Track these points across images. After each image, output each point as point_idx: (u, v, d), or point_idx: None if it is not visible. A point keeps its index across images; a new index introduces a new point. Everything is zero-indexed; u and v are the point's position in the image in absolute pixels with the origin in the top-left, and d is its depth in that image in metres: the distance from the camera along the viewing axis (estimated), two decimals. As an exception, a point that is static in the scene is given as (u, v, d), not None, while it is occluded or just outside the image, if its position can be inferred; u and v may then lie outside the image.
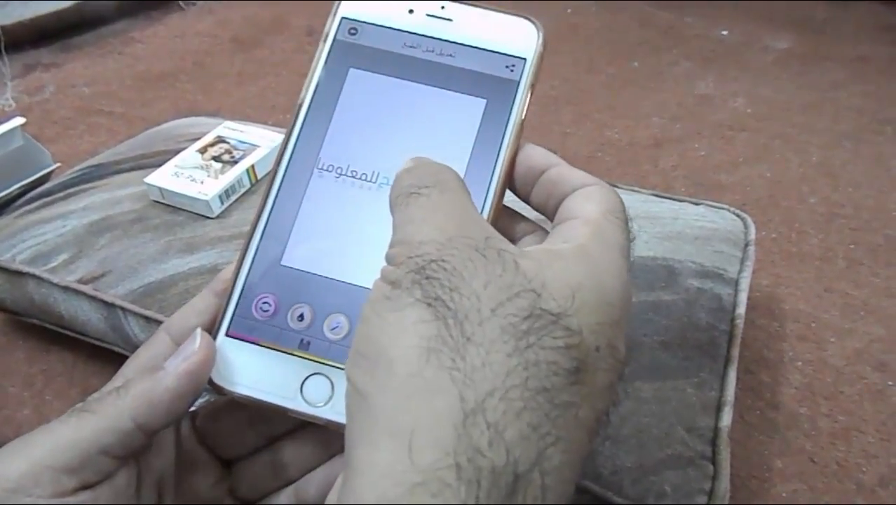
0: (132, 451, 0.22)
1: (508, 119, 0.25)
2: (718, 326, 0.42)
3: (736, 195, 0.70)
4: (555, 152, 0.79)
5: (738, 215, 0.52)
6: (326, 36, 0.26)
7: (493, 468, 0.15)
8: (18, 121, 0.59)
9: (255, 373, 0.24)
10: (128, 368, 0.24)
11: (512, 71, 0.25)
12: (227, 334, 0.24)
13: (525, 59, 0.26)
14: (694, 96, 0.89)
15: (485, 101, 0.25)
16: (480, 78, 0.25)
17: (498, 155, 0.24)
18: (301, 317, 0.24)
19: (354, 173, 0.25)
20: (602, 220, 0.21)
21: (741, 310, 0.44)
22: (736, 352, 0.42)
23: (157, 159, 0.57)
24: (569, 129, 0.82)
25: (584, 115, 0.85)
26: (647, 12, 1.14)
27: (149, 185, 0.52)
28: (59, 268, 0.49)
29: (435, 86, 0.25)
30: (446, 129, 0.25)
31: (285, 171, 0.25)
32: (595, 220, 0.21)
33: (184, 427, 0.25)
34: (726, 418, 0.38)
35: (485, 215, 0.24)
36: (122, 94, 0.96)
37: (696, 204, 0.53)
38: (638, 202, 0.52)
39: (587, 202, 0.22)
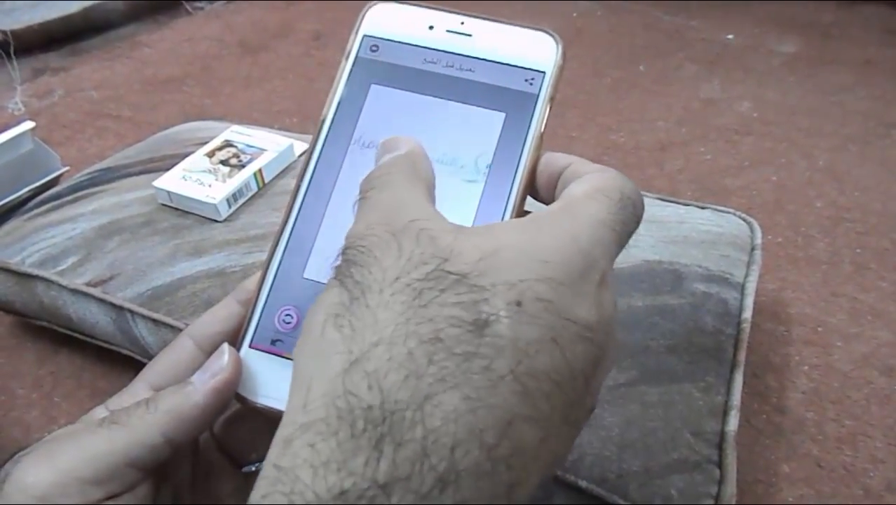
0: (158, 463, 0.22)
1: (528, 132, 0.25)
2: (725, 331, 0.42)
3: (742, 199, 0.70)
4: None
5: (744, 219, 0.52)
6: (349, 54, 0.27)
7: (368, 407, 0.16)
8: (28, 125, 0.60)
9: (278, 384, 0.24)
10: (150, 373, 0.25)
11: (531, 84, 0.26)
12: (250, 346, 0.25)
13: (544, 72, 0.26)
14: (700, 100, 0.89)
15: (504, 114, 0.25)
16: (500, 92, 0.26)
17: (517, 167, 0.25)
18: None
19: None
20: (580, 197, 0.21)
21: (747, 314, 0.44)
22: (742, 356, 0.42)
23: (165, 163, 0.57)
24: (574, 133, 0.83)
25: (589, 119, 0.85)
26: (652, 16, 1.14)
27: (157, 188, 0.53)
28: (68, 271, 0.49)
29: (455, 100, 0.26)
30: (466, 143, 0.25)
31: (308, 185, 0.25)
32: (572, 196, 0.21)
33: (202, 435, 0.26)
34: (733, 422, 0.38)
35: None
36: (131, 98, 0.96)
37: (702, 208, 0.53)
38: (644, 206, 0.52)
39: (578, 184, 0.22)
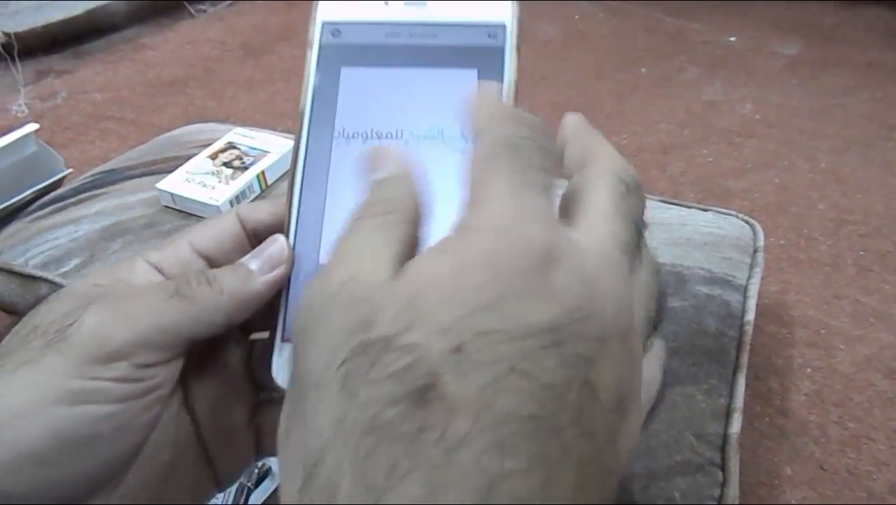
0: (206, 341, 0.22)
1: (503, 83, 0.25)
2: (727, 333, 0.42)
3: (744, 201, 0.70)
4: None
5: (746, 221, 0.52)
6: (312, 43, 0.27)
7: None
8: (32, 127, 0.60)
9: None
10: (195, 235, 0.24)
11: (495, 38, 0.26)
12: (282, 340, 0.25)
13: (504, 24, 0.27)
14: (702, 102, 0.89)
15: (475, 70, 0.26)
16: (466, 51, 0.26)
17: None
18: None
19: None
20: (506, 193, 0.18)
21: (750, 316, 0.44)
22: (745, 358, 0.42)
23: (168, 165, 0.57)
24: (576, 135, 0.83)
25: (591, 121, 0.85)
26: (654, 19, 1.14)
27: (160, 190, 0.53)
28: (72, 272, 0.49)
29: (425, 66, 0.26)
30: (446, 105, 0.25)
31: (302, 179, 0.26)
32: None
33: (236, 355, 0.25)
34: (735, 425, 0.38)
35: None
36: (133, 100, 0.97)
37: (705, 210, 0.53)
38: (646, 208, 0.52)
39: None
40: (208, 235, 0.24)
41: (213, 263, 0.24)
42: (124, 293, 0.21)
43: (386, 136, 0.26)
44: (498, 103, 0.21)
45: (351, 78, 0.26)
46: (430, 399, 0.14)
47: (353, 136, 0.26)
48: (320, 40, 0.27)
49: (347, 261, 0.18)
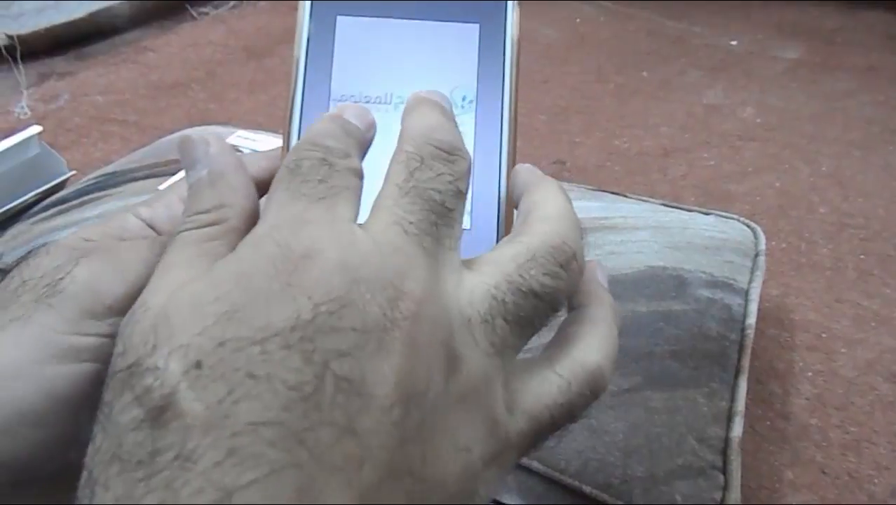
0: None
1: (505, 38, 0.25)
2: (729, 336, 0.42)
3: (745, 205, 0.70)
4: (564, 162, 0.78)
5: (747, 225, 0.53)
6: None
7: None
8: (35, 129, 0.60)
9: None
10: (186, 188, 0.22)
11: None
12: None
13: None
14: (703, 106, 0.90)
15: (478, 25, 0.25)
16: (468, 5, 0.25)
17: (504, 74, 0.25)
18: None
19: None
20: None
21: (751, 320, 0.44)
22: (746, 362, 0.42)
23: (170, 168, 0.57)
24: (577, 139, 0.83)
25: (592, 125, 0.86)
26: (655, 22, 1.14)
27: (163, 193, 0.53)
28: (74, 275, 0.49)
29: (425, 19, 0.25)
30: (448, 59, 0.25)
31: (299, 131, 0.24)
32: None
33: None
34: (737, 428, 0.38)
35: (504, 137, 0.24)
36: (136, 102, 0.97)
37: (706, 214, 0.53)
38: (647, 212, 0.52)
39: None
40: None
41: None
42: (116, 247, 0.21)
43: (383, 95, 0.25)
44: (322, 125, 0.20)
45: (348, 27, 0.25)
46: (167, 420, 0.14)
47: (350, 94, 0.25)
48: None
49: (152, 285, 0.17)
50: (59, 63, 1.09)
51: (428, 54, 0.25)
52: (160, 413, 0.14)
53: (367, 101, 0.25)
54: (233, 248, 0.18)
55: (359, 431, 0.14)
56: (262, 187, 0.23)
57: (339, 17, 0.25)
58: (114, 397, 0.15)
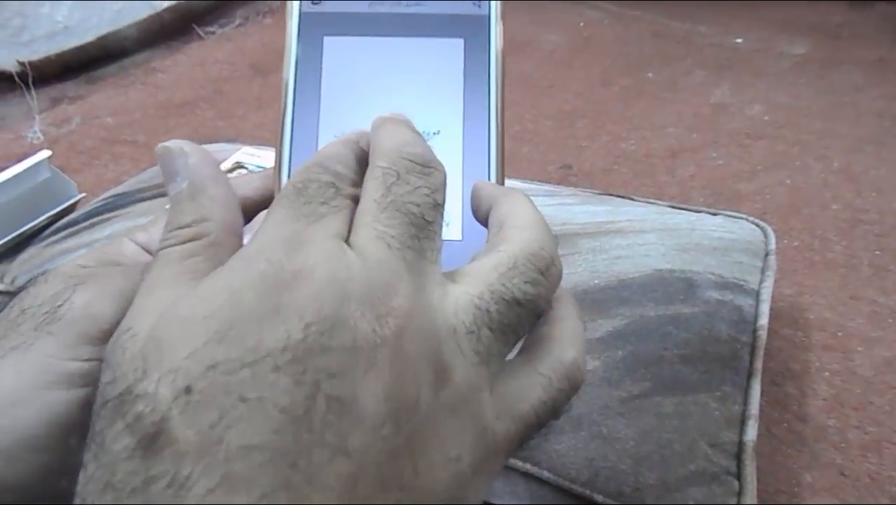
0: None
1: (489, 52, 0.25)
2: (740, 338, 0.42)
3: (756, 204, 0.69)
4: (570, 167, 0.78)
5: (757, 225, 0.52)
6: (291, 13, 0.27)
7: None
8: (45, 154, 0.61)
9: None
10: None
11: (480, 7, 0.26)
12: None
13: None
14: (710, 105, 0.89)
15: (462, 40, 0.26)
16: (452, 20, 0.26)
17: (489, 88, 0.25)
18: None
19: None
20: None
21: (763, 321, 0.44)
22: (759, 364, 0.41)
23: (178, 186, 0.58)
24: (584, 143, 0.82)
25: (598, 128, 0.85)
26: (659, 23, 1.14)
27: (170, 212, 0.53)
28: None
29: (411, 36, 0.26)
30: (433, 75, 0.25)
31: (290, 153, 0.25)
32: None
33: None
34: (751, 432, 0.37)
35: (492, 150, 0.24)
36: (145, 123, 0.98)
37: (714, 214, 0.53)
38: (654, 214, 0.52)
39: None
40: None
41: None
42: (113, 273, 0.21)
43: (372, 110, 0.25)
44: (335, 149, 0.20)
45: (335, 47, 0.26)
46: (159, 447, 0.14)
47: (341, 106, 0.25)
48: (300, 9, 0.26)
49: (136, 306, 0.17)
50: (70, 87, 1.11)
51: (414, 74, 0.25)
52: (152, 440, 0.14)
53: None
54: (215, 263, 0.18)
55: (351, 451, 0.14)
56: (255, 206, 0.24)
57: (325, 38, 0.26)
58: (105, 426, 0.15)
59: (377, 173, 0.19)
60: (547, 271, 0.19)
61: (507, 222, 0.20)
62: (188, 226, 0.19)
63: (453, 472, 0.16)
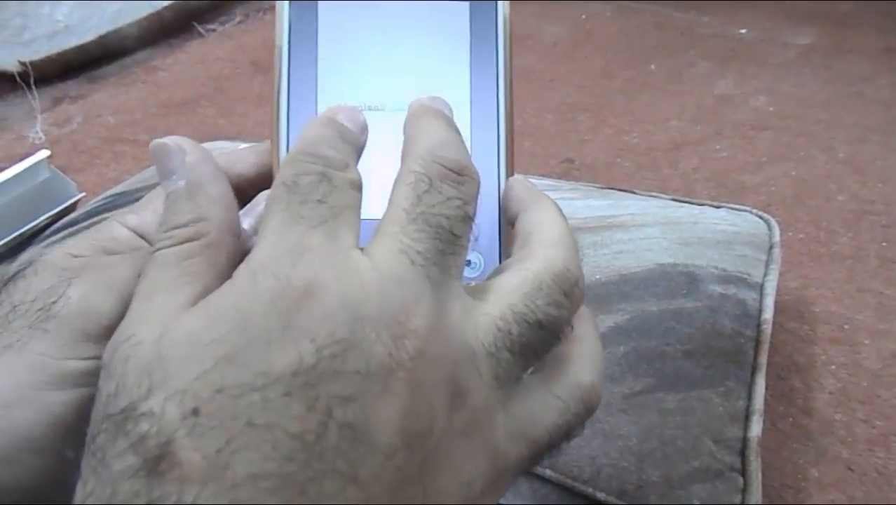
0: None
1: (497, 16, 0.24)
2: (744, 333, 0.41)
3: (761, 196, 0.69)
4: (572, 161, 0.77)
5: (760, 217, 0.51)
6: None
7: None
8: (44, 153, 0.61)
9: None
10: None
11: None
12: None
13: None
14: (713, 97, 0.88)
15: (468, 3, 0.24)
16: None
17: (497, 55, 0.24)
18: None
19: (358, 106, 0.23)
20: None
21: (768, 315, 0.43)
22: (764, 358, 0.41)
23: (177, 185, 0.58)
24: (586, 136, 0.82)
25: (601, 121, 0.84)
26: (662, 14, 1.12)
27: (169, 211, 0.53)
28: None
29: None
30: (438, 41, 0.24)
31: (287, 127, 0.23)
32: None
33: None
34: (755, 428, 0.37)
35: (500, 120, 0.23)
36: (146, 121, 0.98)
37: (717, 207, 0.52)
38: (656, 207, 0.51)
39: None
40: None
41: None
42: (108, 263, 0.20)
43: (374, 77, 0.24)
44: (317, 132, 0.19)
45: (331, 11, 0.24)
46: (163, 469, 0.13)
47: (339, 74, 0.24)
48: None
49: (135, 311, 0.17)
50: (71, 86, 1.11)
51: (418, 39, 0.24)
52: (157, 462, 0.13)
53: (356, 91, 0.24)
54: (213, 265, 0.17)
55: (361, 479, 0.14)
56: (250, 185, 0.22)
57: (320, 3, 0.24)
58: (107, 441, 0.14)
59: (409, 178, 0.18)
60: (571, 292, 0.18)
61: (535, 236, 0.19)
62: (185, 225, 0.18)
63: (464, 496, 0.15)
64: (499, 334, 0.17)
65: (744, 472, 0.35)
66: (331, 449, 0.14)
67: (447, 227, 0.17)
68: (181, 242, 0.18)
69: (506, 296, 0.18)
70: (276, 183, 0.18)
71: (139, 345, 0.15)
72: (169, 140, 0.20)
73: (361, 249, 0.17)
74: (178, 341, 0.15)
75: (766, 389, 0.39)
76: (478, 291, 0.18)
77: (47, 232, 0.57)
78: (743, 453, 0.35)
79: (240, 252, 0.18)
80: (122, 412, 0.14)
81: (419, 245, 0.16)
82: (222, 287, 0.16)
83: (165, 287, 0.17)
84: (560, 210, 0.21)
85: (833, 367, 0.50)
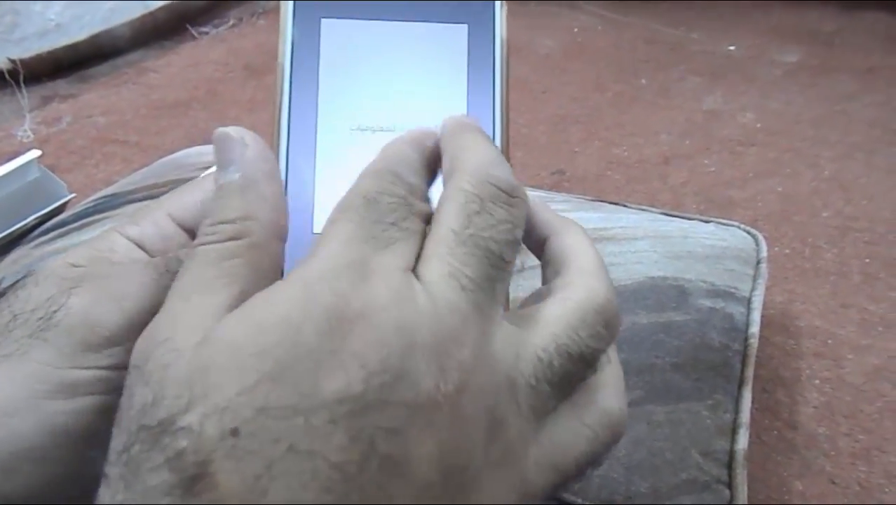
0: None
1: (494, 39, 0.24)
2: (732, 346, 0.42)
3: (747, 211, 0.70)
4: (563, 172, 0.78)
5: (748, 232, 0.52)
6: None
7: None
8: (34, 153, 0.60)
9: None
10: (174, 205, 0.22)
11: None
12: None
13: None
14: (702, 112, 0.89)
15: (466, 25, 0.25)
16: (456, 4, 0.25)
17: (494, 76, 0.24)
18: None
19: (357, 126, 0.24)
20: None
21: (755, 329, 0.44)
22: (750, 372, 0.41)
23: (168, 188, 0.57)
24: (577, 148, 0.83)
25: (592, 134, 0.85)
26: (653, 30, 1.14)
27: (161, 214, 0.53)
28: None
29: (413, 20, 0.25)
30: (436, 62, 0.24)
31: (287, 142, 0.24)
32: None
33: None
34: (742, 441, 0.37)
35: (496, 140, 0.23)
36: (137, 123, 0.97)
37: (706, 222, 0.53)
38: (647, 221, 0.52)
39: None
40: (188, 205, 0.22)
41: (195, 234, 0.22)
42: (109, 273, 0.20)
43: (373, 97, 0.24)
44: (405, 153, 0.19)
45: (333, 30, 0.24)
46: (199, 490, 0.13)
47: (340, 93, 0.24)
48: None
49: (172, 311, 0.16)
50: (61, 86, 1.10)
51: (416, 60, 0.24)
52: (193, 482, 0.13)
53: (358, 129, 0.24)
54: (255, 269, 0.17)
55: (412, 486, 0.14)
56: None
57: (323, 20, 0.25)
58: (141, 452, 0.14)
59: (459, 197, 0.17)
60: (611, 323, 0.18)
61: (571, 264, 0.19)
62: (232, 222, 0.17)
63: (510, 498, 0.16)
64: (539, 366, 0.17)
65: (730, 484, 0.35)
66: (370, 482, 0.13)
67: (497, 251, 0.17)
68: (225, 240, 0.17)
69: (548, 326, 0.17)
70: (354, 191, 0.17)
71: (178, 352, 0.15)
72: (232, 130, 0.20)
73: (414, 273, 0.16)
74: (222, 351, 0.14)
75: (752, 402, 0.40)
76: (519, 319, 0.18)
77: (36, 233, 0.57)
78: (730, 466, 0.36)
79: (282, 258, 0.18)
80: (159, 424, 0.14)
81: (468, 269, 0.16)
82: (268, 292, 0.15)
83: (203, 287, 0.16)
84: (587, 235, 0.20)
85: (817, 381, 0.51)
